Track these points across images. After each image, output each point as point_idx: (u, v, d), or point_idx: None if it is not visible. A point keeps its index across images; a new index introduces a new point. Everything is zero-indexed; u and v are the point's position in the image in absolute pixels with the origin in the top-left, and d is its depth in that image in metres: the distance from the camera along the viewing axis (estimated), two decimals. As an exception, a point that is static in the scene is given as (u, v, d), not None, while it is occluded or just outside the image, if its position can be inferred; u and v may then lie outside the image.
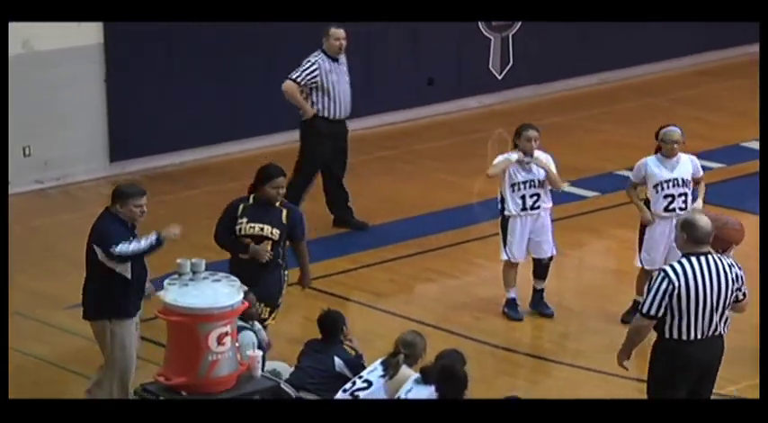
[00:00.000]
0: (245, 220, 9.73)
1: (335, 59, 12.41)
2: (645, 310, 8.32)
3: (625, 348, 8.60)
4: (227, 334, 8.23)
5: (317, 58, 12.35)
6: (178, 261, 8.41)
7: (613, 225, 13.06)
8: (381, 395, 8.53)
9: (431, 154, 14.90)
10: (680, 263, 8.27)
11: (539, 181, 10.89)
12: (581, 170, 14.19)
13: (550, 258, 11.08)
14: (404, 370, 8.57)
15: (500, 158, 11.01)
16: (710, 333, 8.34)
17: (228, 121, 14.02)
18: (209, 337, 8.18)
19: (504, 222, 11.03)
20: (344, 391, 8.68)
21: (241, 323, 8.85)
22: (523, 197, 10.89)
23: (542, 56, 16.22)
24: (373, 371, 8.71)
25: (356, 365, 8.98)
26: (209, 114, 14.27)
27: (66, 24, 13.48)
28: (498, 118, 15.95)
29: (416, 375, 8.46)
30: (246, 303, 8.53)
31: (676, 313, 8.25)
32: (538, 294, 11.14)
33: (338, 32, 12.33)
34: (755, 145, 14.67)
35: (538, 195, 10.91)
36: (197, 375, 8.22)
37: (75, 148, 13.95)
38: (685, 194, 10.66)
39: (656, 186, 10.65)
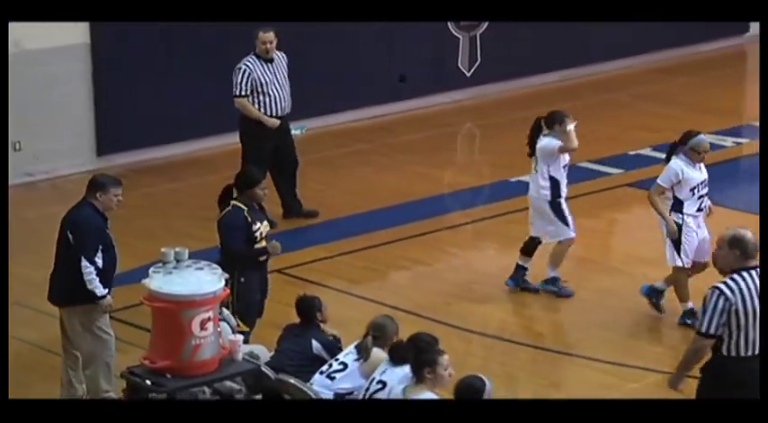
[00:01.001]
0: (257, 224, 9.74)
1: (269, 60, 12.48)
2: (704, 330, 7.78)
3: (680, 372, 8.03)
4: (209, 319, 8.22)
5: (246, 63, 12.44)
6: (162, 250, 8.39)
7: (577, 214, 13.06)
8: (357, 377, 8.53)
9: (404, 147, 14.92)
10: (733, 279, 7.77)
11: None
12: (546, 162, 14.23)
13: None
14: (377, 352, 8.57)
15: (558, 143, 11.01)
16: (759, 348, 7.82)
17: (210, 117, 14.00)
18: (193, 323, 8.16)
19: (558, 205, 11.13)
20: (321, 373, 8.68)
21: (224, 309, 8.86)
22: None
23: (509, 54, 16.25)
24: (348, 354, 8.72)
25: (333, 348, 8.98)
26: (192, 110, 14.24)
27: (54, 24, 13.42)
28: (467, 113, 15.99)
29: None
30: (228, 290, 8.52)
31: (734, 329, 7.76)
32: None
33: (265, 36, 12.43)
34: (711, 138, 14.71)
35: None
36: (181, 359, 8.20)
37: (63, 142, 13.92)
38: (708, 194, 10.61)
39: (693, 189, 10.47)
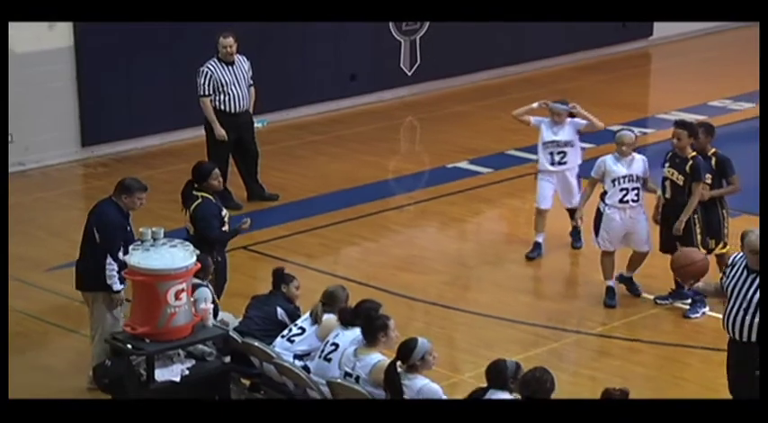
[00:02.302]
0: (224, 210, 9.73)
1: (229, 63, 12.41)
2: None
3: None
4: (182, 290, 8.19)
5: (208, 66, 12.37)
6: (141, 230, 8.34)
7: (505, 196, 13.17)
8: (313, 339, 8.51)
9: (354, 138, 14.91)
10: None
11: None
12: (479, 151, 14.29)
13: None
14: (329, 318, 8.56)
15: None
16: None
17: (180, 113, 13.92)
18: (168, 294, 8.12)
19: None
20: (282, 336, 8.67)
21: (197, 281, 8.82)
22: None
23: (445, 55, 16.27)
24: (305, 320, 8.70)
25: (294, 315, 8.96)
26: (165, 106, 14.18)
27: (42, 30, 13.38)
28: (409, 108, 16.00)
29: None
30: (199, 264, 8.48)
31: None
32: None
33: (225, 41, 12.36)
34: (620, 128, 14.80)
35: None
36: (158, 325, 8.17)
37: (51, 135, 13.82)
38: (637, 189, 10.26)
39: (614, 181, 10.22)
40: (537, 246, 11.34)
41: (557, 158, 11.18)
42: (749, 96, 15.69)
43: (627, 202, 10.23)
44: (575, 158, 11.28)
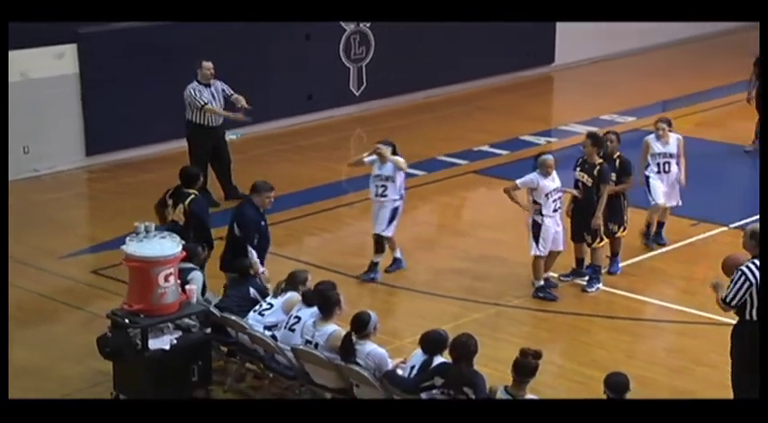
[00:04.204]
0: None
1: (207, 85, 12.28)
2: (727, 300, 7.40)
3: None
4: (171, 274, 8.05)
5: (191, 88, 12.24)
6: (135, 224, 8.20)
7: (436, 194, 13.14)
8: (280, 313, 8.41)
9: (313, 148, 14.80)
10: (753, 263, 7.37)
11: (386, 176, 10.44)
12: (415, 156, 14.17)
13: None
14: (293, 294, 8.47)
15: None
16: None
17: (169, 126, 13.74)
18: (159, 277, 7.99)
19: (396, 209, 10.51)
20: (254, 311, 8.57)
21: (192, 265, 8.69)
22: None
23: (387, 79, 16.19)
24: (273, 298, 8.62)
25: (263, 293, 8.86)
26: (158, 121, 13.96)
27: (51, 58, 13.18)
28: (358, 123, 15.91)
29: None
30: (185, 252, 8.34)
31: (755, 301, 7.35)
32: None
33: (207, 64, 12.27)
34: (529, 138, 14.88)
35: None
36: (151, 303, 8.03)
37: (60, 146, 13.57)
38: (560, 198, 10.04)
39: (547, 195, 9.91)
40: (373, 266, 10.52)
41: (380, 191, 10.54)
42: (632, 111, 15.82)
43: (557, 210, 10.03)
44: (393, 193, 10.54)
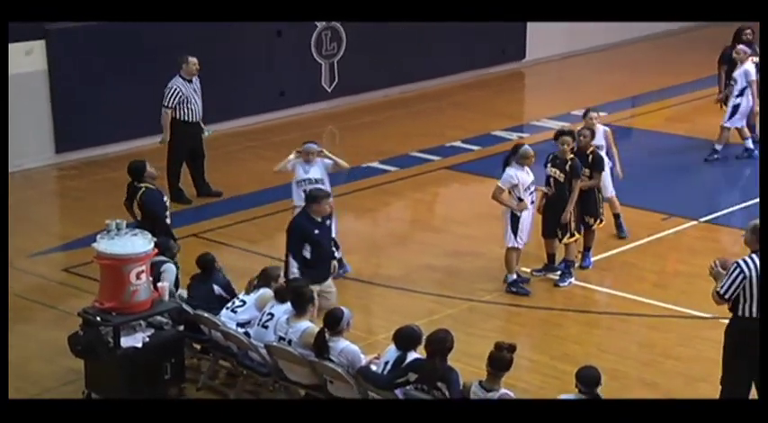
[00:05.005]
0: (166, 197, 9.70)
1: (189, 81, 12.24)
2: (722, 293, 7.26)
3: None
4: (143, 271, 7.99)
5: (176, 83, 12.15)
6: (106, 221, 8.13)
7: (409, 189, 13.13)
8: (252, 310, 8.36)
9: (285, 144, 14.63)
10: (750, 258, 7.23)
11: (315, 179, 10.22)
12: (387, 152, 14.21)
13: None
14: (266, 291, 8.42)
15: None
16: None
17: (141, 123, 13.64)
18: (131, 274, 7.92)
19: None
20: (227, 308, 8.51)
21: (164, 258, 8.63)
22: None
23: (358, 75, 16.16)
24: (246, 294, 8.56)
25: (228, 287, 8.76)
26: (129, 118, 13.87)
27: (20, 55, 13.04)
28: (329, 119, 15.87)
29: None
30: (156, 250, 8.27)
31: (748, 296, 7.23)
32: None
33: (193, 60, 12.22)
34: (501, 133, 14.90)
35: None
36: (123, 301, 7.96)
37: (30, 143, 13.42)
38: (535, 190, 9.99)
39: (526, 189, 9.87)
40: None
41: None
42: (602, 107, 15.86)
43: (533, 202, 10.03)
44: None
